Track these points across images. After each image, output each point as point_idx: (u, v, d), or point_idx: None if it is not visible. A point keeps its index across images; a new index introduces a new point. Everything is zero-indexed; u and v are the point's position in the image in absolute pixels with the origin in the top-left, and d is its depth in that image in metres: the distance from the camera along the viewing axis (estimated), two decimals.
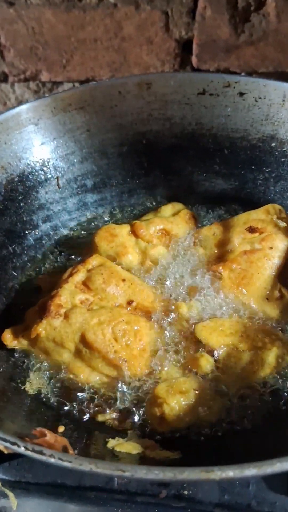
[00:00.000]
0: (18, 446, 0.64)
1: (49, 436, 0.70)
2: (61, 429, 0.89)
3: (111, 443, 0.88)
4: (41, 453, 0.63)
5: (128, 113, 1.37)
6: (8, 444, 0.65)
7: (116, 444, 0.87)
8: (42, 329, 1.01)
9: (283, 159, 1.34)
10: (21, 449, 0.63)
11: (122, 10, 1.65)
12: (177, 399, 0.93)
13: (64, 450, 0.71)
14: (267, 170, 1.37)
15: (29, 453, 0.63)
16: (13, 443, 0.64)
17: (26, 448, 0.63)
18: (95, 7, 1.64)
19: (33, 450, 0.63)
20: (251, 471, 0.60)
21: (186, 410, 0.92)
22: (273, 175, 1.37)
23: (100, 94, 1.34)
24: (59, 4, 1.64)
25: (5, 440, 0.66)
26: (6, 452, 0.67)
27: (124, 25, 1.68)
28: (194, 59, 1.75)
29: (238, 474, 0.60)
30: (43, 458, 0.62)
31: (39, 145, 1.32)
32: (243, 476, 0.60)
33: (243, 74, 1.79)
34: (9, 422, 0.86)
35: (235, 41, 1.70)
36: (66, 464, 0.61)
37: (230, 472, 0.60)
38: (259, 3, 1.61)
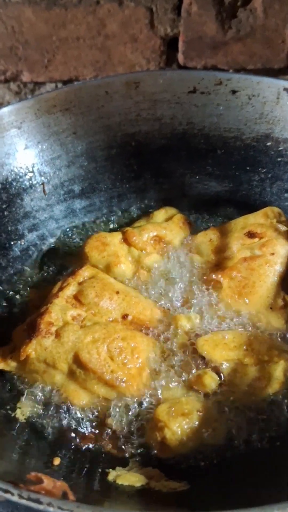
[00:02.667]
0: (12, 494, 0.56)
1: (46, 482, 0.63)
2: (56, 461, 0.82)
3: (112, 475, 0.81)
4: (38, 501, 0.55)
5: (115, 113, 1.31)
6: None
7: (117, 475, 0.80)
8: (31, 350, 0.94)
9: (279, 159, 1.30)
10: (15, 498, 0.56)
11: (105, 7, 1.60)
12: (179, 422, 0.86)
13: (64, 496, 0.63)
14: (262, 171, 1.32)
15: (23, 501, 0.56)
16: (5, 491, 0.57)
17: (21, 496, 0.56)
18: (76, 4, 1.59)
19: (28, 499, 0.56)
20: None
21: (189, 434, 0.86)
22: (269, 175, 1.32)
23: (86, 95, 1.28)
24: (39, 2, 1.58)
25: None
26: None
27: (107, 22, 1.64)
28: (180, 57, 1.71)
29: None
30: (40, 507, 0.55)
31: (22, 149, 1.25)
32: None
33: (231, 71, 1.75)
34: None
35: (222, 38, 1.67)
36: None
37: None
38: None
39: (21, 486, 0.58)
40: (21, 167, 1.25)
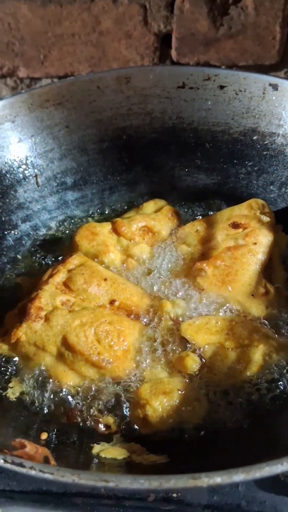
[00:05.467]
0: None
1: (29, 447, 0.67)
2: (44, 435, 0.87)
3: (96, 448, 0.85)
4: (21, 465, 0.60)
5: (107, 108, 1.35)
6: None
7: (101, 449, 0.85)
8: (22, 333, 0.98)
9: (265, 152, 1.33)
10: (0, 462, 0.61)
11: (99, 4, 1.63)
12: (160, 400, 0.91)
13: (46, 461, 0.68)
14: (249, 164, 1.36)
15: (8, 465, 0.60)
16: None
17: (5, 461, 0.61)
18: (71, 1, 1.62)
19: (12, 463, 0.60)
20: (239, 476, 0.58)
21: (170, 412, 0.90)
22: (255, 168, 1.35)
23: (78, 89, 1.31)
24: None
25: None
26: None
27: (101, 19, 1.66)
28: (173, 53, 1.74)
29: (226, 480, 0.58)
30: (23, 470, 0.60)
31: (16, 142, 1.28)
32: (231, 482, 0.58)
33: (223, 67, 1.77)
34: None
35: (214, 35, 1.69)
36: (47, 476, 0.58)
37: (217, 478, 0.58)
38: None
39: (5, 452, 0.63)
40: (14, 160, 1.28)
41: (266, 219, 1.18)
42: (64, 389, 0.98)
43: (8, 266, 1.26)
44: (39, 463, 0.60)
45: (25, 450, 0.67)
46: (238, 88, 1.29)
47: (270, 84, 1.26)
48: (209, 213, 1.36)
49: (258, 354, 0.98)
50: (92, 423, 0.93)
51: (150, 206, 1.33)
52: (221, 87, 1.30)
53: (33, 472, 0.59)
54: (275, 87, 1.27)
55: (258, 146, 1.33)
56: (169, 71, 1.33)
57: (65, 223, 1.37)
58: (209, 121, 1.34)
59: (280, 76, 1.80)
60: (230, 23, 1.67)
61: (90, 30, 1.69)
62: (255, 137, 1.32)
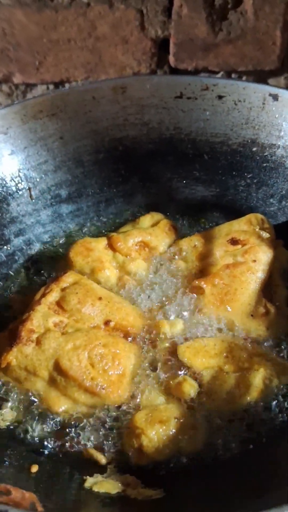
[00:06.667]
0: None
1: (14, 494, 0.64)
2: (34, 468, 0.83)
3: (89, 482, 0.82)
4: None
5: (103, 118, 1.32)
6: None
7: (94, 483, 0.81)
8: (12, 357, 0.95)
9: (264, 164, 1.30)
10: None
11: (95, 9, 1.60)
12: (156, 430, 0.87)
13: (32, 507, 0.64)
14: (248, 176, 1.33)
15: None
16: None
17: None
18: (67, 6, 1.59)
19: None
20: None
21: (166, 441, 0.87)
22: (255, 181, 1.32)
23: (73, 100, 1.28)
24: (30, 4, 1.58)
25: None
26: None
27: (98, 24, 1.64)
28: (171, 59, 1.71)
29: None
30: None
31: (8, 154, 1.25)
32: None
33: (222, 73, 1.75)
34: None
35: (213, 40, 1.67)
36: None
37: None
38: (236, 1, 1.57)
39: None
40: (7, 172, 1.25)
41: (266, 235, 1.15)
42: (56, 416, 0.94)
43: (0, 283, 1.22)
44: (24, 510, 0.57)
45: (10, 496, 0.63)
46: (237, 98, 1.26)
47: (270, 94, 1.24)
48: (207, 226, 1.33)
49: (258, 378, 0.94)
50: (85, 452, 0.90)
51: (146, 220, 1.30)
52: (220, 97, 1.27)
53: None
54: (275, 97, 1.24)
55: (258, 158, 1.30)
56: (166, 80, 1.30)
57: (60, 237, 1.33)
58: (207, 132, 1.32)
59: (281, 83, 1.77)
60: (229, 28, 1.64)
61: (86, 36, 1.66)
62: (254, 149, 1.29)
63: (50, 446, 0.91)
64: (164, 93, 1.29)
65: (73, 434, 0.93)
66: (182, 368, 0.99)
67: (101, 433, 0.92)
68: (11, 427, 0.95)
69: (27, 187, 1.29)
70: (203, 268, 1.14)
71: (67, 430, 0.93)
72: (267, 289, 1.11)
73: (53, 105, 1.26)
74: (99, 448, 0.90)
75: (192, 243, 1.20)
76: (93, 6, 1.59)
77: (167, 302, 1.10)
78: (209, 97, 1.27)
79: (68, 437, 0.92)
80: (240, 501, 0.75)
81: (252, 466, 0.87)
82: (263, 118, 1.26)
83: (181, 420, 0.90)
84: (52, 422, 0.94)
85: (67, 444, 0.92)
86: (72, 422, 0.94)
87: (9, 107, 1.22)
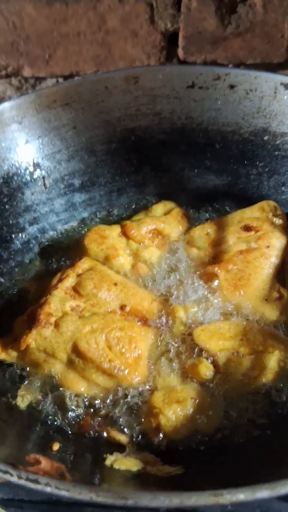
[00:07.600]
0: (11, 474, 0.59)
1: (44, 463, 0.65)
2: (55, 446, 0.84)
3: (109, 459, 0.83)
4: (36, 481, 0.58)
5: (115, 108, 1.32)
6: None
7: (114, 460, 0.82)
8: (31, 340, 0.96)
9: (276, 153, 1.31)
10: (14, 478, 0.58)
11: (105, 3, 1.60)
12: (174, 409, 0.89)
13: (61, 476, 0.66)
14: (260, 165, 1.33)
15: (22, 481, 0.58)
16: (5, 472, 0.59)
17: (20, 477, 0.58)
18: (77, 0, 1.59)
19: (27, 479, 0.58)
20: (263, 493, 0.55)
21: (183, 421, 0.88)
22: (267, 169, 1.33)
23: (85, 90, 1.29)
24: None
25: None
26: None
27: (107, 18, 1.64)
28: (180, 52, 1.71)
29: (249, 497, 0.56)
30: (38, 487, 0.57)
31: (23, 144, 1.26)
32: (254, 499, 0.55)
33: (230, 66, 1.75)
34: None
35: (222, 33, 1.67)
36: (63, 493, 0.56)
37: (240, 495, 0.56)
38: None
39: (20, 468, 0.61)
40: (22, 162, 1.26)
41: (278, 221, 1.16)
42: (75, 397, 0.96)
43: (16, 270, 1.24)
44: (54, 479, 0.58)
45: (40, 466, 0.65)
46: (248, 87, 1.26)
47: (281, 83, 1.24)
48: (219, 215, 1.33)
49: (273, 360, 0.95)
50: (104, 432, 0.91)
51: (159, 208, 1.31)
52: (231, 86, 1.28)
53: (48, 489, 0.57)
54: (286, 86, 1.24)
55: (269, 147, 1.30)
56: (178, 70, 1.30)
57: (73, 226, 1.35)
58: (219, 121, 1.32)
59: None
60: (238, 21, 1.65)
61: (96, 29, 1.67)
62: (266, 137, 1.30)
63: (69, 426, 0.93)
64: (176, 83, 1.29)
65: (91, 415, 0.94)
66: (197, 351, 1.00)
67: (119, 413, 0.93)
68: (30, 408, 0.96)
69: (41, 176, 1.30)
70: (216, 254, 1.15)
71: (85, 410, 0.95)
72: (280, 275, 1.12)
73: (66, 95, 1.27)
74: (118, 428, 0.92)
75: (205, 231, 1.21)
76: (103, 0, 1.60)
77: (181, 288, 1.11)
78: (220, 86, 1.28)
79: (86, 417, 0.93)
80: (257, 476, 0.76)
81: (268, 445, 0.88)
82: (274, 107, 1.26)
83: (197, 401, 0.91)
84: (70, 403, 0.95)
85: (85, 424, 0.93)
86: (90, 403, 0.95)
87: (23, 97, 1.23)
